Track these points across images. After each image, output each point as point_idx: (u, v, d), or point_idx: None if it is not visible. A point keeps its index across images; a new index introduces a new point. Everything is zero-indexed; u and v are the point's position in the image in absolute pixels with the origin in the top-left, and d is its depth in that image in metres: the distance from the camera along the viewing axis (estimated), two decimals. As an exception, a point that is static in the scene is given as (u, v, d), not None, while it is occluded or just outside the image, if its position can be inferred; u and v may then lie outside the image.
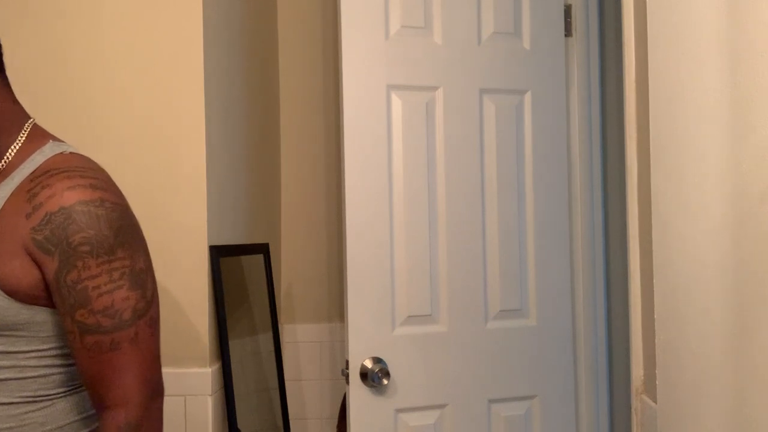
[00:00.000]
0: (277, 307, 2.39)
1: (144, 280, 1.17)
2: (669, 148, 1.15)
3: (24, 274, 1.12)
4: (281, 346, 2.34)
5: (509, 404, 2.13)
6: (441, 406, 2.07)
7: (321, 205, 2.47)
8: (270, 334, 2.19)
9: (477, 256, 2.09)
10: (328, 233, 2.46)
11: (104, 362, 1.13)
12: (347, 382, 1.98)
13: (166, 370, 1.70)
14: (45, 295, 1.14)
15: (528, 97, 2.18)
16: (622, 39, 1.46)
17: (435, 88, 2.08)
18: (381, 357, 1.99)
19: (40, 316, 1.14)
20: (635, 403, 1.43)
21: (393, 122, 2.03)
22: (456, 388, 2.07)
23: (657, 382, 1.22)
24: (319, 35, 2.48)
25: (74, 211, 1.11)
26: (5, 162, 1.17)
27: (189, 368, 1.72)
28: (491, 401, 2.11)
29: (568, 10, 2.25)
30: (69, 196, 1.12)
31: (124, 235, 1.16)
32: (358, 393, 1.97)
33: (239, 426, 1.82)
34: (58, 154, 1.18)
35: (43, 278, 1.13)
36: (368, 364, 1.97)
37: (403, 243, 2.03)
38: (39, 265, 1.12)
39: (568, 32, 2.25)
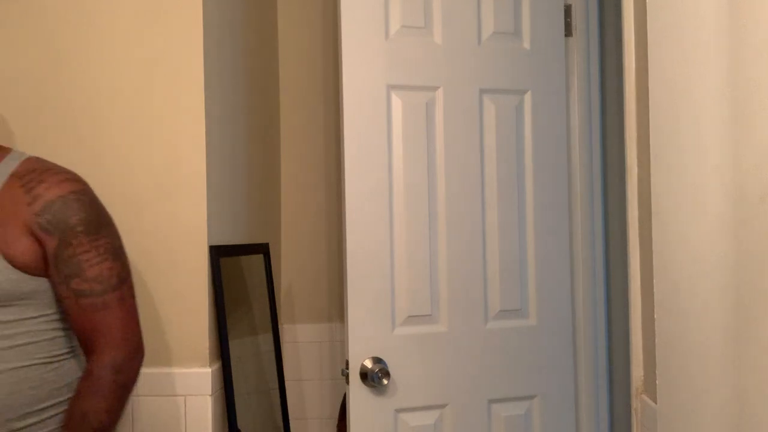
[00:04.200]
0: (277, 307, 2.39)
1: (122, 254, 1.46)
2: (669, 148, 1.14)
3: (30, 251, 1.36)
4: (281, 346, 2.34)
5: (509, 404, 2.13)
6: (441, 406, 2.07)
7: (321, 205, 2.47)
8: (270, 334, 2.19)
9: (477, 256, 2.09)
10: (328, 233, 2.46)
11: (97, 319, 1.39)
12: (347, 382, 1.98)
13: (166, 370, 1.71)
14: (44, 267, 1.38)
15: (528, 97, 2.18)
16: (622, 39, 1.46)
17: (435, 88, 2.08)
18: (381, 357, 1.99)
19: (43, 285, 1.38)
20: (635, 403, 1.43)
21: (393, 122, 2.03)
22: (456, 388, 2.07)
23: (657, 382, 1.22)
24: (319, 35, 2.48)
25: (68, 199, 1.38)
26: None
27: (189, 368, 1.72)
28: (491, 401, 2.11)
29: (568, 10, 2.25)
30: (63, 187, 1.39)
31: (104, 218, 1.44)
32: (358, 393, 1.97)
33: (239, 426, 1.82)
34: (28, 158, 1.44)
35: (44, 254, 1.38)
36: (368, 364, 1.97)
37: (403, 243, 2.03)
38: (41, 243, 1.37)
39: (568, 32, 2.25)
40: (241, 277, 2.03)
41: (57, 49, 1.70)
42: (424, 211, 2.05)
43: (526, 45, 2.17)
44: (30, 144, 1.67)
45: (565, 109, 2.22)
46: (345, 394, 2.08)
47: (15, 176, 1.39)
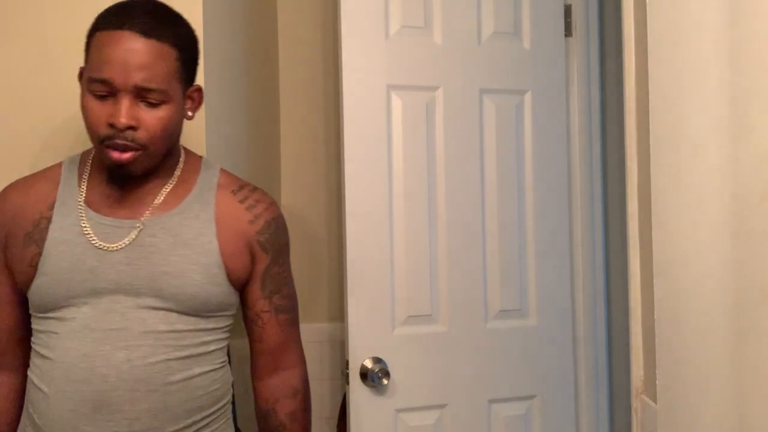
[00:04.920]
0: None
1: None
2: (669, 148, 1.15)
3: (246, 267, 1.44)
4: (281, 346, 2.33)
5: (509, 404, 2.13)
6: (441, 406, 2.07)
7: (321, 205, 2.47)
8: (270, 334, 2.18)
9: (477, 256, 2.09)
10: (328, 233, 2.46)
11: (289, 334, 1.50)
12: (347, 382, 1.98)
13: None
14: (245, 283, 1.46)
15: (528, 97, 2.18)
16: (622, 39, 1.46)
17: (435, 88, 2.08)
18: (381, 357, 1.99)
19: (237, 299, 1.47)
20: (635, 403, 1.43)
21: (393, 122, 2.03)
22: (456, 388, 2.07)
23: (657, 382, 1.22)
24: (319, 35, 2.48)
25: (279, 221, 1.50)
26: (176, 176, 1.45)
27: (189, 368, 1.71)
28: (491, 401, 2.11)
29: (568, 10, 2.25)
30: (274, 210, 1.50)
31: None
32: (358, 393, 1.97)
33: (239, 426, 1.82)
34: (222, 169, 1.50)
35: (252, 270, 1.45)
36: (368, 364, 1.97)
37: (403, 243, 2.03)
38: (254, 260, 1.45)
39: (568, 32, 2.25)
40: (241, 277, 2.03)
41: (56, 49, 1.70)
42: (424, 211, 2.05)
43: (526, 45, 2.17)
44: (30, 143, 1.67)
45: (565, 109, 2.22)
46: (345, 394, 2.08)
47: (223, 188, 1.45)
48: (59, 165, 1.45)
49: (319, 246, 2.47)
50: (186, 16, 1.71)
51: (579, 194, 2.26)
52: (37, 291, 1.35)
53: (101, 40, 1.31)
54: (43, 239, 1.35)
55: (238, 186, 1.48)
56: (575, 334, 2.24)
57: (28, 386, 1.39)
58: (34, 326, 1.39)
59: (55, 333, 1.34)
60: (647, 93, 1.25)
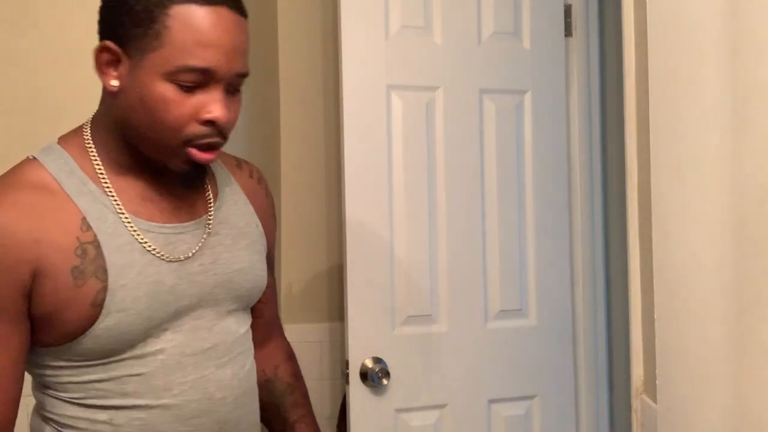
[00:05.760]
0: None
1: None
2: (669, 148, 1.15)
3: (271, 244, 1.33)
4: (281, 346, 2.33)
5: (509, 404, 2.13)
6: (441, 406, 2.07)
7: (321, 205, 2.47)
8: (270, 334, 2.18)
9: (477, 256, 2.09)
10: (328, 233, 2.46)
11: (277, 305, 1.47)
12: (347, 382, 1.98)
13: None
14: None
15: (528, 97, 2.17)
16: (622, 39, 1.46)
17: (435, 88, 2.08)
18: (381, 357, 1.99)
19: None
20: (635, 403, 1.43)
21: (393, 122, 2.03)
22: (456, 388, 2.07)
23: (657, 382, 1.22)
24: (319, 35, 2.48)
25: None
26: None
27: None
28: (491, 401, 2.11)
29: (568, 10, 2.25)
30: None
31: None
32: (358, 393, 1.97)
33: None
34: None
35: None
36: (368, 364, 1.97)
37: (403, 243, 2.03)
38: (272, 235, 1.35)
39: (568, 32, 2.25)
40: (241, 277, 2.03)
41: (57, 49, 1.70)
42: (424, 211, 2.05)
43: (526, 45, 2.17)
44: (29, 143, 1.67)
45: (565, 109, 2.22)
46: (345, 394, 2.08)
47: (229, 165, 1.30)
48: (35, 166, 1.12)
49: (319, 246, 2.47)
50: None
51: (579, 194, 2.26)
52: (105, 334, 1.07)
53: (192, 17, 1.04)
54: (102, 269, 1.07)
55: (236, 160, 1.34)
56: (575, 334, 2.24)
57: None
58: (75, 378, 1.11)
59: (138, 375, 1.11)
60: (647, 93, 1.25)
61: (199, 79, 1.05)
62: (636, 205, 1.44)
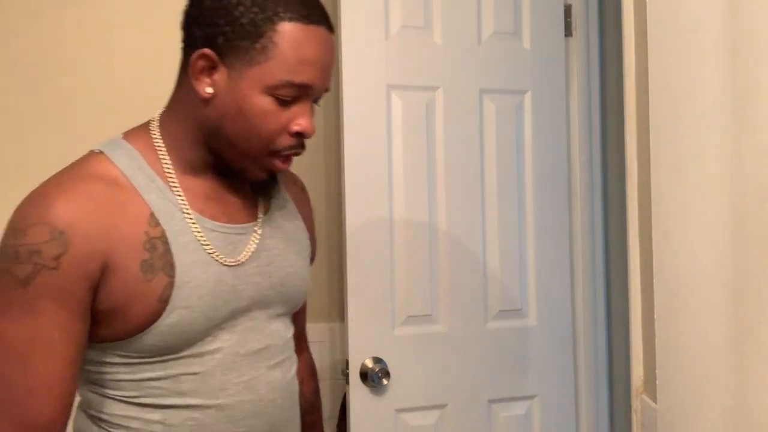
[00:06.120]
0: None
1: None
2: (669, 148, 1.15)
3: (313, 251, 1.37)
4: (281, 346, 2.33)
5: (509, 404, 2.13)
6: (441, 406, 2.07)
7: (321, 205, 2.47)
8: (270, 334, 2.18)
9: (477, 256, 2.09)
10: (327, 233, 2.46)
11: (306, 318, 1.44)
12: (347, 382, 1.98)
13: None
14: None
15: (528, 97, 2.17)
16: (622, 39, 1.46)
17: (435, 88, 2.08)
18: (381, 357, 1.99)
19: None
20: (635, 403, 1.43)
21: (393, 122, 2.03)
22: (456, 388, 2.07)
23: (657, 382, 1.22)
24: (319, 35, 2.48)
25: None
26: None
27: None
28: (491, 401, 2.11)
29: (568, 10, 2.25)
30: None
31: None
32: (358, 393, 1.97)
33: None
34: None
35: None
36: (368, 364, 1.97)
37: (403, 243, 2.02)
38: (314, 243, 1.37)
39: (568, 32, 2.25)
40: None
41: (58, 50, 1.70)
42: (424, 211, 2.05)
43: (526, 45, 2.17)
44: (29, 142, 1.67)
45: (565, 109, 2.22)
46: (345, 394, 2.08)
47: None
48: (102, 159, 1.12)
49: (319, 246, 2.47)
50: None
51: (579, 194, 2.26)
52: (168, 330, 1.08)
53: (297, 35, 1.08)
54: (170, 265, 1.08)
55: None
56: (575, 334, 2.24)
57: None
58: (131, 376, 1.11)
59: (195, 374, 1.11)
60: (647, 93, 1.25)
61: (296, 94, 1.10)
62: (636, 205, 1.44)
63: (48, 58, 1.70)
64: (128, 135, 1.17)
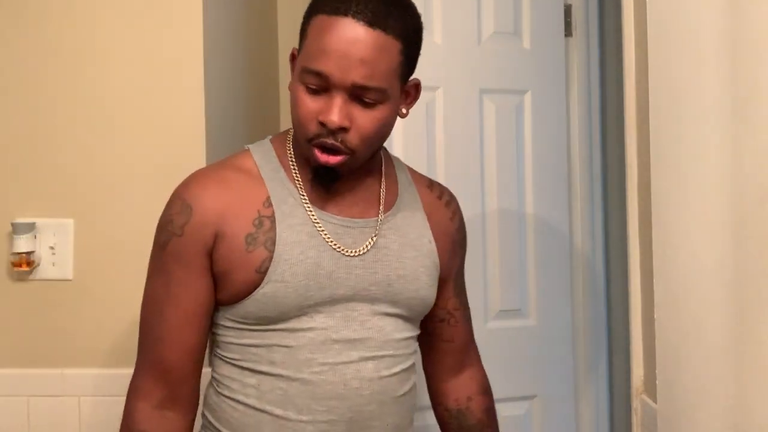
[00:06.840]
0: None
1: None
2: (669, 148, 1.15)
3: (451, 266, 1.38)
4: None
5: (509, 404, 2.13)
6: (441, 406, 2.06)
7: (321, 205, 2.47)
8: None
9: (477, 255, 2.09)
10: (328, 233, 2.46)
11: (472, 331, 1.49)
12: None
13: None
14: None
15: (528, 97, 2.17)
16: (622, 39, 1.46)
17: (435, 88, 2.08)
18: (381, 357, 1.98)
19: None
20: (635, 403, 1.43)
21: (393, 122, 2.03)
22: (456, 388, 2.07)
23: (657, 382, 1.22)
24: (319, 35, 2.48)
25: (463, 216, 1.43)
26: (383, 172, 1.35)
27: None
28: (491, 401, 2.11)
29: (568, 10, 2.25)
30: (459, 206, 1.43)
31: None
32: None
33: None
34: (404, 164, 1.42)
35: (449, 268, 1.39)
36: (368, 364, 1.97)
37: (403, 243, 2.02)
38: (453, 258, 1.39)
39: (568, 32, 2.25)
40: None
41: (58, 49, 1.70)
42: (424, 211, 2.05)
43: (526, 45, 2.17)
44: (29, 141, 1.67)
45: (565, 109, 2.22)
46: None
47: (419, 184, 1.38)
48: (246, 155, 1.29)
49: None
50: (186, 17, 1.71)
51: (579, 194, 2.26)
52: (263, 300, 1.19)
53: (320, 25, 1.15)
54: (271, 241, 1.19)
55: (429, 181, 1.42)
56: (575, 335, 2.24)
57: (231, 411, 1.24)
58: (236, 340, 1.23)
59: (286, 347, 1.20)
60: (647, 93, 1.25)
61: (317, 83, 1.16)
62: (636, 205, 1.44)
63: (48, 58, 1.69)
64: (274, 136, 1.35)
